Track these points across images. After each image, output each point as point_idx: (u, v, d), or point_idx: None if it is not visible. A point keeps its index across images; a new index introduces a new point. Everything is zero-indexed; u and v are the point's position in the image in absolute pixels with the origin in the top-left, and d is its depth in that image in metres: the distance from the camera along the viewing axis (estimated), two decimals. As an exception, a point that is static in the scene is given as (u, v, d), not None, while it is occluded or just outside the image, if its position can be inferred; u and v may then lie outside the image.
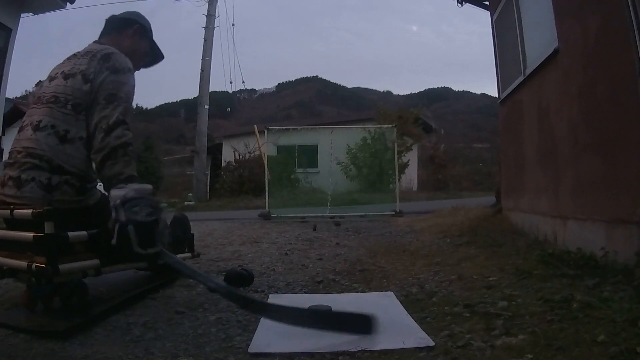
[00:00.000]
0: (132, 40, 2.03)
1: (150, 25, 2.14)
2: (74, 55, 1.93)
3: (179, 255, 2.32)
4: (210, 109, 14.82)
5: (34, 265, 1.55)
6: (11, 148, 1.84)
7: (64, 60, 1.94)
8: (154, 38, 2.17)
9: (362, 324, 1.50)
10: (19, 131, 1.84)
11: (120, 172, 1.64)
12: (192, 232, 2.61)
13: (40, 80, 2.05)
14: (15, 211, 1.65)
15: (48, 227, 1.57)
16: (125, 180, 1.63)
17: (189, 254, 2.50)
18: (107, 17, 2.08)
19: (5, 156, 1.95)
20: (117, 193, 1.58)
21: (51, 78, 1.89)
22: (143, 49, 2.10)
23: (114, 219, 1.55)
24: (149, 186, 1.67)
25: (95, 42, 2.00)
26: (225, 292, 1.67)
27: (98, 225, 1.77)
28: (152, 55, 2.19)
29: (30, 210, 1.58)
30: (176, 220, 2.61)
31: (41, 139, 1.75)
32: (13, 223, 1.70)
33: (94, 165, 1.78)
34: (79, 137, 1.77)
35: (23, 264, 1.58)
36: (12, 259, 1.66)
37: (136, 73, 2.01)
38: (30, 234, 1.57)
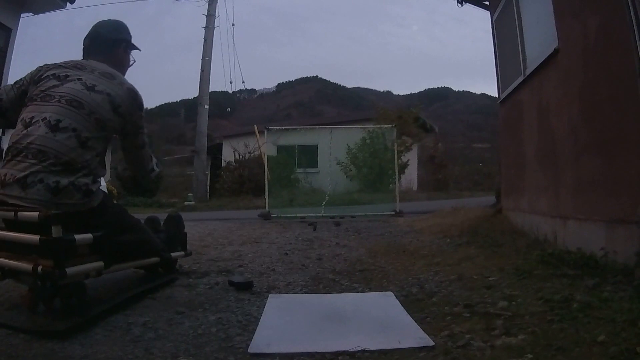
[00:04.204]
0: (123, 57, 2.15)
1: (129, 31, 2.19)
2: (79, 65, 1.92)
3: (172, 254, 2.36)
4: (210, 109, 14.82)
5: (40, 267, 1.54)
6: (14, 142, 1.74)
7: (63, 65, 1.91)
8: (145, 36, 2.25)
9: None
10: (25, 127, 1.74)
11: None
12: (185, 231, 2.62)
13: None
14: (20, 213, 1.62)
15: (56, 231, 1.56)
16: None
17: (181, 252, 2.50)
18: (91, 34, 2.07)
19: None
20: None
21: (59, 78, 1.84)
22: (129, 58, 2.21)
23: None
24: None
25: (95, 60, 1.99)
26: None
27: (101, 226, 1.77)
28: None
29: (36, 213, 1.57)
30: (170, 218, 2.62)
31: (61, 140, 1.71)
32: (15, 224, 1.69)
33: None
34: (94, 148, 1.79)
35: (28, 266, 1.57)
36: (15, 260, 1.65)
37: (136, 72, 2.07)
38: (36, 237, 1.56)
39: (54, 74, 1.87)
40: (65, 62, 1.94)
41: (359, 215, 6.54)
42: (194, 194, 13.46)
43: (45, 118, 1.74)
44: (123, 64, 2.14)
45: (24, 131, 1.74)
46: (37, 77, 1.88)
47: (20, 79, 1.95)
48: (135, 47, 2.21)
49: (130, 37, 2.19)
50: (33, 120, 1.75)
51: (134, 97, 1.97)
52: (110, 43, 2.08)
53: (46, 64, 1.95)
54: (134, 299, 1.96)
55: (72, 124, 1.75)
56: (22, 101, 1.87)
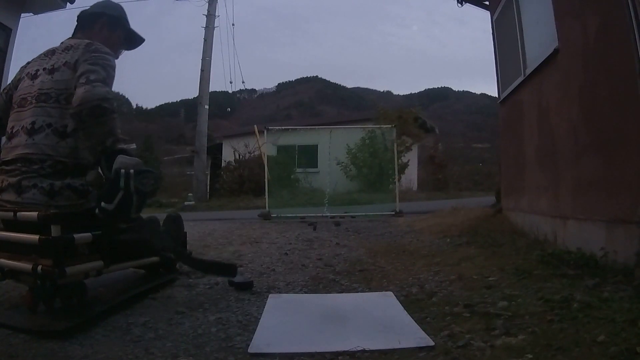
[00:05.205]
0: (102, 33, 2.01)
1: (121, 12, 2.10)
2: (51, 51, 1.90)
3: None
4: (210, 109, 14.80)
5: (39, 267, 1.54)
6: (3, 156, 1.77)
7: (37, 58, 1.90)
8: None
9: (227, 270, 2.27)
10: (9, 139, 1.77)
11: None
12: (185, 231, 2.61)
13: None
14: (19, 213, 1.63)
15: (55, 230, 1.56)
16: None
17: None
18: (78, 13, 2.04)
19: None
20: (126, 161, 1.58)
21: (32, 76, 1.84)
22: (115, 37, 2.07)
23: (116, 183, 1.56)
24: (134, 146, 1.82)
25: (70, 38, 1.97)
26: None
27: (100, 226, 1.77)
28: (128, 41, 2.17)
29: (35, 213, 1.57)
30: (170, 219, 2.61)
31: (39, 141, 1.71)
32: (13, 225, 1.69)
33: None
34: (77, 131, 1.74)
35: (28, 266, 1.57)
36: (14, 260, 1.65)
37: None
38: (36, 237, 1.56)
39: (28, 72, 1.87)
40: (39, 55, 1.93)
41: (359, 215, 6.54)
42: (193, 194, 13.45)
43: (23, 126, 1.75)
44: (106, 43, 1.95)
45: (9, 144, 1.77)
46: (17, 80, 1.90)
47: (7, 85, 1.97)
48: (123, 28, 2.09)
49: (116, 14, 2.07)
50: (14, 131, 1.78)
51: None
52: (89, 17, 2.03)
53: (27, 62, 1.95)
54: (134, 299, 1.96)
55: (46, 120, 1.73)
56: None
